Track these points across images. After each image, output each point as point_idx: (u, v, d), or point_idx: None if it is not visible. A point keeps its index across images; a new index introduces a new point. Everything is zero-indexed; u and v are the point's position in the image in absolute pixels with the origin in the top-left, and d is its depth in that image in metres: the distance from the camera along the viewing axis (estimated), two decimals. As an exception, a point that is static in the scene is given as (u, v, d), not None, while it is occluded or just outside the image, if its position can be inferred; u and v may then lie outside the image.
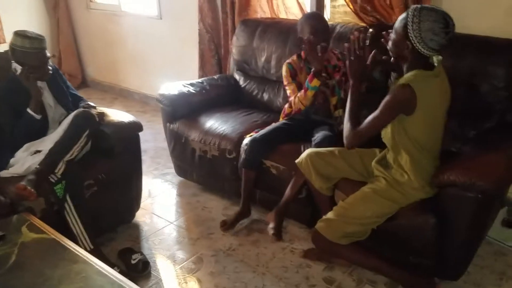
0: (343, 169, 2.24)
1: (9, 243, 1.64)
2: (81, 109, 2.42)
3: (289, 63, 2.66)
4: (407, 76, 1.90)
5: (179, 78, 3.58)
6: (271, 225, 2.43)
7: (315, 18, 2.60)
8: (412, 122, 1.90)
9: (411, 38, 1.83)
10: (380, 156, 2.17)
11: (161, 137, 3.82)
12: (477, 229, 1.98)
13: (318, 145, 2.38)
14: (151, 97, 4.77)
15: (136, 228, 2.72)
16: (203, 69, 3.94)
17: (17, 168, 2.29)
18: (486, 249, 2.36)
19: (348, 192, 2.15)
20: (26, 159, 2.30)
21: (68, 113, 2.53)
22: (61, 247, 1.62)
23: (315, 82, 2.43)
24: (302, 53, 2.67)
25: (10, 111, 2.32)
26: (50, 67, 2.42)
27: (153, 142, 3.89)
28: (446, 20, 1.81)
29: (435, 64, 1.88)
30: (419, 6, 1.86)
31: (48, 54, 2.40)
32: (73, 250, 1.60)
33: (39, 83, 2.40)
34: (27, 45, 2.28)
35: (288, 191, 2.42)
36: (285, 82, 2.67)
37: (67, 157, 2.25)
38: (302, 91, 2.50)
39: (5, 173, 2.28)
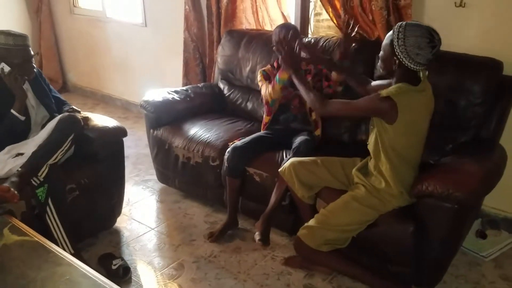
0: (325, 178, 2.28)
1: (-10, 245, 1.62)
2: (66, 113, 2.41)
3: (263, 70, 2.77)
4: (391, 89, 1.96)
5: (163, 86, 3.60)
6: (257, 232, 2.44)
7: (281, 25, 2.72)
8: (393, 132, 1.97)
9: (397, 54, 1.90)
10: (361, 164, 2.24)
11: (143, 144, 3.83)
12: (453, 238, 2.05)
13: (296, 150, 2.44)
14: (133, 103, 4.78)
15: (117, 234, 2.70)
16: (187, 77, 3.97)
17: None
18: (461, 259, 2.43)
19: (329, 201, 2.19)
20: (7, 162, 2.28)
21: (51, 116, 2.52)
22: (44, 250, 1.60)
23: (283, 75, 2.53)
24: (275, 62, 2.77)
25: None
26: (34, 65, 2.41)
27: (135, 148, 3.88)
28: (431, 35, 1.88)
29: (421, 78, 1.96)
30: (404, 22, 1.94)
31: (32, 52, 2.38)
32: (57, 253, 1.58)
33: (24, 85, 2.39)
34: (10, 42, 2.28)
35: (272, 198, 2.45)
36: (259, 84, 2.76)
37: (51, 160, 2.24)
38: (271, 84, 2.61)
39: (-14, 175, 2.25)
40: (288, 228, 2.61)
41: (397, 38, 1.89)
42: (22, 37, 2.34)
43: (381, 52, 2.02)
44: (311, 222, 2.15)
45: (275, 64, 2.79)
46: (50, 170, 2.22)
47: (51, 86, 2.66)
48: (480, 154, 2.17)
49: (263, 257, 2.49)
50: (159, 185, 3.26)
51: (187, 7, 3.77)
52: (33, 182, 2.18)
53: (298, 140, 2.53)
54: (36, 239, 1.67)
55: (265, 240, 2.44)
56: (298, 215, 2.44)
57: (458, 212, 1.90)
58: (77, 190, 2.38)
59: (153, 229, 2.76)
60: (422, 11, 2.68)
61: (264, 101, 2.73)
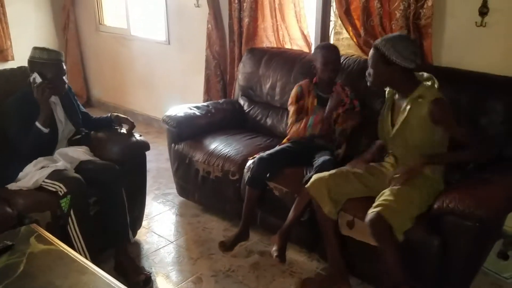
0: (356, 186, 2.28)
1: (17, 252, 1.67)
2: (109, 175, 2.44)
3: (299, 86, 2.79)
4: (428, 91, 2.13)
5: (184, 102, 3.68)
6: (274, 248, 2.43)
7: (328, 49, 2.73)
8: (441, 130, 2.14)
9: (394, 60, 2.08)
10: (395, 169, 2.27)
11: (164, 158, 3.89)
12: (474, 257, 2.03)
13: (319, 169, 2.44)
14: (155, 119, 4.87)
15: (137, 246, 2.74)
16: (208, 94, 4.04)
17: (25, 182, 2.33)
18: (483, 280, 2.39)
19: (355, 212, 2.19)
20: (34, 174, 2.34)
21: (77, 130, 2.59)
22: (69, 259, 1.65)
23: (316, 129, 2.61)
24: (314, 79, 2.78)
25: (19, 124, 2.36)
26: (66, 82, 2.49)
27: (156, 162, 3.95)
28: (406, 36, 2.21)
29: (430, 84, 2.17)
30: (381, 38, 2.18)
31: (65, 68, 2.47)
32: (81, 262, 1.63)
33: (53, 98, 2.47)
34: (45, 56, 2.36)
35: (291, 213, 2.45)
36: (289, 102, 2.80)
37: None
38: (301, 124, 2.65)
39: (13, 186, 2.32)
40: (307, 244, 2.61)
41: (387, 49, 2.09)
42: (56, 52, 2.43)
43: (372, 70, 2.18)
44: (386, 202, 2.04)
45: (314, 80, 2.78)
46: (73, 181, 2.27)
47: (78, 102, 2.74)
48: (502, 172, 2.15)
49: (281, 273, 2.49)
50: (179, 199, 3.31)
51: (209, 26, 3.86)
52: (59, 192, 2.24)
53: (321, 158, 2.53)
54: (61, 248, 1.72)
55: (282, 256, 2.43)
56: (316, 231, 2.43)
57: (480, 231, 1.88)
58: (99, 203, 2.43)
59: (172, 242, 2.79)
60: (443, 30, 2.69)
61: (290, 134, 2.77)
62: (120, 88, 5.27)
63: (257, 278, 2.45)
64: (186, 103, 3.43)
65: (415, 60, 2.12)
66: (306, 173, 2.53)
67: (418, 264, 2.07)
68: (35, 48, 2.38)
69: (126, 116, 2.77)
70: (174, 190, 3.34)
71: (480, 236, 1.93)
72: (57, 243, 1.74)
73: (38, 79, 2.35)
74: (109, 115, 2.80)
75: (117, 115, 2.77)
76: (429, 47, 2.69)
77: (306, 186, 2.32)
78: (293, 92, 2.79)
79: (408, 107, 2.16)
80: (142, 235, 2.85)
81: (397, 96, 2.29)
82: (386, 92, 2.37)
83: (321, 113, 2.62)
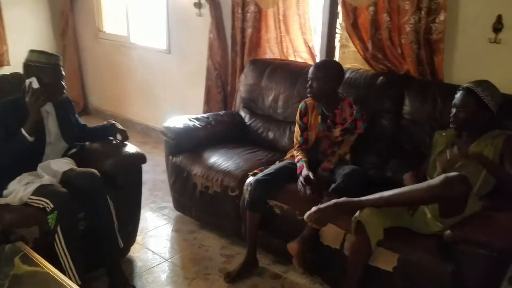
0: (400, 215, 2.16)
1: (0, 274, 1.54)
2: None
3: (304, 102, 2.69)
4: (500, 131, 2.13)
5: (183, 112, 3.58)
6: (295, 260, 2.30)
7: (314, 66, 2.64)
8: None
9: (489, 106, 2.06)
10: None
11: (161, 169, 3.77)
12: (488, 286, 1.91)
13: (349, 177, 2.36)
14: (153, 128, 4.76)
15: (130, 263, 2.61)
16: (208, 104, 3.94)
17: (11, 198, 2.19)
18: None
19: (392, 244, 2.05)
20: (18, 190, 2.20)
21: (69, 146, 2.47)
22: (55, 283, 1.52)
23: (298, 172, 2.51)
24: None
25: (3, 131, 2.20)
26: (64, 86, 2.35)
27: (152, 174, 3.82)
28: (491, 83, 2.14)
29: None
30: (475, 82, 2.12)
31: (63, 73, 2.34)
32: (68, 287, 1.50)
33: (47, 107, 2.35)
34: (43, 60, 2.24)
35: None
36: (297, 119, 2.72)
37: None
38: (296, 157, 2.60)
39: (1, 201, 2.19)
40: (309, 267, 2.46)
41: (485, 95, 2.06)
42: (55, 56, 2.31)
43: (462, 113, 2.12)
44: None
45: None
46: (60, 197, 2.14)
47: (77, 115, 2.62)
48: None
49: (281, 297, 2.37)
50: (175, 213, 3.18)
51: (211, 35, 3.77)
52: (47, 208, 2.10)
53: (348, 167, 2.44)
54: (47, 270, 1.59)
55: (307, 267, 2.30)
56: (320, 253, 2.31)
57: (496, 260, 1.77)
58: (87, 218, 2.29)
59: (167, 260, 2.66)
60: (454, 46, 2.61)
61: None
62: (118, 96, 5.16)
63: (256, 302, 2.32)
64: (186, 113, 3.32)
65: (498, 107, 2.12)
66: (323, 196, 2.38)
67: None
68: (32, 51, 2.26)
69: (122, 128, 2.64)
70: (171, 204, 3.22)
71: (497, 266, 1.82)
72: (43, 265, 1.62)
73: (36, 85, 2.20)
74: (105, 122, 2.68)
75: (114, 124, 2.65)
76: (440, 63, 2.61)
77: (358, 218, 2.04)
78: (298, 109, 2.70)
79: (482, 144, 2.12)
80: (135, 251, 2.71)
81: (461, 139, 2.21)
82: (439, 135, 2.32)
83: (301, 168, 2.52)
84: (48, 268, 1.60)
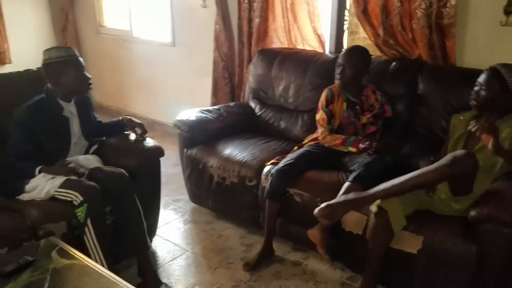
0: (420, 198, 2.19)
1: (40, 269, 1.55)
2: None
3: (330, 89, 2.69)
4: None
5: (190, 105, 3.59)
6: (319, 247, 2.32)
7: (342, 53, 2.68)
8: None
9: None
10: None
11: (171, 163, 3.77)
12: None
13: (368, 166, 2.35)
14: (158, 122, 4.76)
15: (152, 255, 2.63)
16: (215, 96, 3.94)
17: (36, 193, 2.20)
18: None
19: (416, 227, 2.08)
20: (44, 184, 2.21)
21: (89, 145, 2.49)
22: (96, 274, 1.54)
23: (354, 149, 2.51)
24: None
25: (20, 136, 2.22)
26: (90, 77, 2.35)
27: (163, 167, 3.72)
28: None
29: None
30: (502, 64, 2.12)
31: (84, 63, 2.34)
32: (110, 278, 1.52)
33: (71, 109, 2.36)
34: (63, 54, 2.24)
35: None
36: (319, 106, 2.70)
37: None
38: (338, 138, 2.57)
39: (25, 197, 2.20)
40: (329, 252, 2.48)
41: (509, 78, 2.06)
42: (71, 49, 2.32)
43: (485, 92, 2.12)
44: None
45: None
46: (89, 190, 2.16)
47: (94, 112, 2.63)
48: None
49: (305, 283, 2.40)
50: (190, 205, 3.20)
51: (217, 26, 3.76)
52: (74, 202, 2.12)
53: (368, 157, 2.42)
54: (86, 262, 1.61)
55: (331, 253, 2.32)
56: (340, 239, 2.34)
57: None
58: (113, 213, 2.31)
59: (188, 250, 2.69)
60: (465, 30, 2.63)
61: (318, 122, 2.69)
62: (122, 91, 5.15)
63: (280, 288, 2.36)
64: (192, 106, 3.32)
65: None
66: (340, 177, 2.44)
67: (452, 274, 1.99)
68: (47, 50, 2.26)
69: (139, 121, 2.65)
70: (185, 196, 3.24)
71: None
72: (80, 257, 1.64)
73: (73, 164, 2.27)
74: (121, 118, 2.69)
75: (130, 119, 2.66)
76: (452, 48, 2.63)
77: (380, 205, 2.09)
78: (322, 96, 2.69)
79: (501, 127, 2.11)
80: (157, 243, 2.74)
81: (481, 121, 2.18)
82: (457, 119, 2.33)
83: (359, 139, 2.54)
84: (86, 260, 1.62)
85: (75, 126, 2.39)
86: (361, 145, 2.46)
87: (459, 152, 1.98)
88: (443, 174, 1.97)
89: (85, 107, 2.47)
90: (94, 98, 5.50)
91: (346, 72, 2.59)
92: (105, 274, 1.54)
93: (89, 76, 2.35)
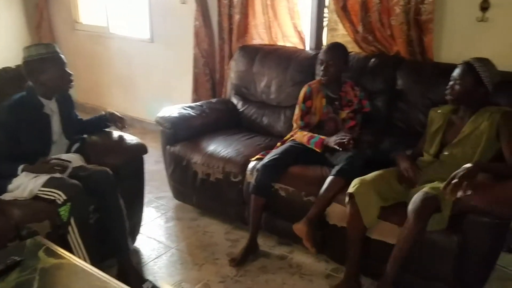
0: (398, 190, 2.24)
1: (28, 269, 1.53)
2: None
3: (309, 86, 2.72)
4: (497, 108, 2.18)
5: (169, 102, 3.60)
6: (305, 241, 2.35)
7: (324, 49, 2.72)
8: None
9: (485, 83, 2.13)
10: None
11: (152, 160, 3.74)
12: (492, 254, 2.03)
13: (349, 161, 2.39)
14: (137, 119, 4.71)
15: (137, 254, 2.61)
16: (196, 93, 3.93)
17: (19, 192, 2.16)
18: (492, 275, 2.38)
19: (399, 219, 2.10)
20: (27, 183, 2.16)
21: (70, 143, 2.44)
22: (86, 273, 1.53)
23: (318, 149, 2.55)
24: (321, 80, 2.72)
25: (3, 135, 2.17)
26: (71, 73, 2.30)
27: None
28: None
29: None
30: (476, 58, 2.18)
31: (65, 60, 2.29)
32: (100, 276, 1.51)
33: (52, 106, 2.31)
34: (43, 51, 2.18)
35: (323, 197, 2.34)
36: (299, 101, 2.74)
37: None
38: (305, 136, 2.60)
39: (7, 196, 2.15)
40: (314, 245, 2.54)
41: (483, 71, 2.12)
42: (51, 45, 2.26)
43: (459, 86, 2.18)
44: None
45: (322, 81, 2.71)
46: (72, 188, 2.13)
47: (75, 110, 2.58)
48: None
49: (290, 276, 2.43)
50: (173, 202, 3.19)
51: (197, 23, 3.75)
52: (57, 201, 2.09)
53: (345, 156, 2.46)
54: (74, 261, 1.60)
55: (317, 246, 2.36)
56: (324, 232, 2.38)
57: (499, 227, 1.89)
58: (99, 211, 2.29)
59: (173, 248, 2.68)
60: (443, 25, 2.70)
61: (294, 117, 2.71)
62: (99, 88, 5.08)
63: (267, 282, 2.38)
64: (172, 103, 3.32)
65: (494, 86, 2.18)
66: (324, 171, 2.48)
67: (435, 263, 2.05)
68: (27, 47, 2.21)
69: (121, 116, 2.63)
70: (168, 193, 3.23)
71: (500, 232, 1.93)
72: (68, 256, 1.62)
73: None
74: (103, 113, 2.66)
75: (113, 113, 2.63)
76: (430, 43, 2.69)
77: (351, 191, 2.17)
78: (301, 92, 2.72)
79: (479, 121, 2.17)
80: (141, 241, 2.72)
81: (458, 114, 2.28)
82: (434, 112, 2.38)
83: (322, 140, 2.56)
84: (74, 259, 1.60)
85: (55, 124, 2.34)
86: (332, 143, 2.48)
87: None
88: None
89: (66, 105, 2.43)
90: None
91: (330, 69, 2.62)
92: (94, 272, 1.53)
93: (71, 73, 2.31)
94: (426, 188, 2.05)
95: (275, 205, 2.57)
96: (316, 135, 2.59)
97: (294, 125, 2.73)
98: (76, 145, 2.46)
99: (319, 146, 2.55)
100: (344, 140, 2.42)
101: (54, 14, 5.10)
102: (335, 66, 2.61)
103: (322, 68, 2.63)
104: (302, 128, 2.69)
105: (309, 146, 2.58)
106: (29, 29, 5.12)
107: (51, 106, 2.31)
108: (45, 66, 2.18)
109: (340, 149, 2.43)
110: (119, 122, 2.60)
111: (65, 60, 2.29)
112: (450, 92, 2.23)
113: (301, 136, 2.64)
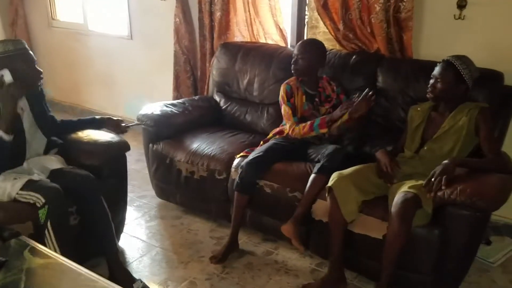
0: (379, 184, 2.28)
1: (13, 269, 1.49)
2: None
3: (287, 84, 2.71)
4: (476, 104, 2.26)
5: (149, 99, 3.58)
6: (294, 240, 2.38)
7: (297, 44, 2.74)
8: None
9: (466, 80, 2.19)
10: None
11: (133, 159, 3.72)
12: (473, 246, 2.09)
13: (330, 157, 2.41)
14: (117, 117, 4.64)
15: (121, 253, 2.59)
16: (177, 90, 3.91)
17: None
18: (471, 266, 2.47)
19: (381, 213, 2.15)
20: (5, 187, 2.11)
21: (49, 140, 2.39)
22: (74, 273, 1.51)
23: (324, 130, 2.54)
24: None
25: None
26: (40, 71, 2.24)
27: (125, 164, 3.75)
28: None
29: None
30: (455, 56, 2.23)
31: (34, 57, 2.23)
32: (87, 275, 1.50)
33: (21, 104, 2.23)
34: (10, 48, 2.11)
35: (306, 198, 2.37)
36: (281, 102, 2.72)
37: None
38: (305, 126, 2.57)
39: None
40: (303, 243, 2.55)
41: (463, 69, 2.18)
42: (19, 41, 2.19)
43: (440, 84, 2.23)
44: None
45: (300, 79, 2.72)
46: (51, 191, 2.07)
47: (47, 105, 2.50)
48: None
49: (276, 271, 2.45)
50: (156, 201, 3.17)
51: (177, 19, 3.73)
52: (37, 204, 2.04)
53: (330, 147, 2.49)
54: (61, 261, 1.57)
55: (303, 242, 2.39)
56: (309, 227, 2.41)
57: (480, 220, 1.94)
58: (79, 213, 2.25)
59: (157, 246, 2.67)
60: (422, 23, 2.75)
61: (291, 135, 2.65)
62: (78, 86, 4.99)
63: (253, 279, 2.39)
64: (153, 101, 3.29)
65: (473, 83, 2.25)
66: (307, 167, 2.50)
67: (416, 256, 2.10)
68: None
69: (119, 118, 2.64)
70: (150, 192, 3.21)
71: (480, 225, 1.99)
72: (55, 256, 1.59)
73: (8, 76, 2.08)
74: (96, 117, 2.63)
75: (110, 118, 2.63)
76: (409, 41, 2.74)
77: (329, 185, 2.21)
78: (282, 91, 2.71)
79: (458, 117, 2.23)
80: (124, 241, 2.70)
81: (438, 111, 2.33)
82: (414, 110, 2.42)
83: (325, 116, 2.59)
84: (61, 259, 1.58)
85: (27, 123, 2.26)
86: (340, 114, 2.51)
87: None
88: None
89: (38, 100, 2.34)
90: (46, 94, 5.30)
91: (298, 62, 2.64)
92: (82, 271, 1.51)
93: (40, 70, 2.24)
94: (404, 187, 2.09)
95: (260, 202, 2.58)
96: (315, 119, 2.58)
97: (288, 123, 2.66)
98: (54, 150, 2.41)
99: (324, 125, 2.53)
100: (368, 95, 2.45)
101: (30, 10, 4.99)
102: (304, 60, 2.62)
103: (292, 61, 2.65)
104: (297, 123, 2.63)
105: (314, 133, 2.56)
106: (3, 26, 5.00)
107: (20, 104, 2.20)
108: (13, 64, 2.11)
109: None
110: (118, 127, 2.58)
111: (34, 57, 2.23)
112: (432, 90, 2.28)
113: (300, 130, 2.58)
